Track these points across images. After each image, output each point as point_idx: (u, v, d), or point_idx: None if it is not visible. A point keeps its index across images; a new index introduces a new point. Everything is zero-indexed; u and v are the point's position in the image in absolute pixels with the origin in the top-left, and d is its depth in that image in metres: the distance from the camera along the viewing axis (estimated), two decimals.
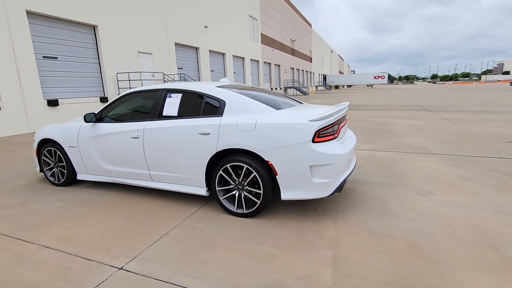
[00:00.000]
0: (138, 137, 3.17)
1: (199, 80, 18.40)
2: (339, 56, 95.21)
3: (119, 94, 12.09)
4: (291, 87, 35.33)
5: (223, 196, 2.87)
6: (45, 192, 3.74)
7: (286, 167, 2.55)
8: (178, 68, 16.43)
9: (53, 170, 3.95)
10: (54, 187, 3.91)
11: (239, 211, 2.81)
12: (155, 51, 14.29)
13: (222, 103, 2.88)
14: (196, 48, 18.06)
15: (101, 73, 11.70)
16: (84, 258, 2.22)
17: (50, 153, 3.90)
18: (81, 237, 2.55)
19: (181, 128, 2.94)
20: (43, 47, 9.61)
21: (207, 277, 1.96)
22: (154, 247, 2.35)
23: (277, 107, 2.90)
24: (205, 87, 3.05)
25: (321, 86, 59.05)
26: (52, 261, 2.20)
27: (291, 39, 38.35)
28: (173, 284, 1.89)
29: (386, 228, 2.53)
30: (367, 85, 70.05)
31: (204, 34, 18.48)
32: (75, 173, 3.81)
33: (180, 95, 3.12)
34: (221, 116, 2.83)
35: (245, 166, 2.67)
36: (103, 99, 11.63)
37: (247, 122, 2.67)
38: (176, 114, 3.07)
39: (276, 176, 2.61)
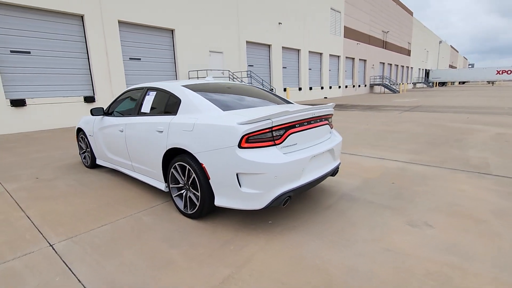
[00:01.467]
0: (122, 131, 3.50)
1: (270, 78, 18.64)
2: (452, 47, 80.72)
3: None
4: (378, 84, 32.03)
5: (175, 194, 2.91)
6: (74, 171, 4.53)
7: (216, 171, 2.40)
8: (249, 65, 17.03)
9: (85, 154, 4.74)
10: (84, 168, 4.69)
11: (185, 211, 2.80)
12: (225, 49, 15.17)
13: (178, 102, 2.90)
14: (268, 46, 18.30)
15: (175, 71, 13.18)
16: (38, 231, 2.62)
17: (83, 140, 4.69)
18: (57, 213, 3.01)
19: (147, 125, 3.10)
20: (129, 50, 11.46)
21: (100, 269, 2.04)
22: (93, 232, 2.59)
23: (227, 107, 2.73)
24: (170, 85, 3.12)
25: (421, 82, 51.50)
26: (19, 229, 2.67)
27: (383, 31, 34.62)
28: (69, 268, 2.06)
29: (320, 258, 2.10)
30: (488, 82, 57.48)
31: (278, 31, 18.54)
32: (95, 158, 4.48)
33: (155, 93, 3.28)
34: (175, 114, 2.86)
35: (187, 166, 2.63)
36: None
37: (188, 122, 2.62)
38: (148, 111, 3.25)
39: (209, 180, 2.48)
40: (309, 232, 2.48)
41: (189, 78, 13.49)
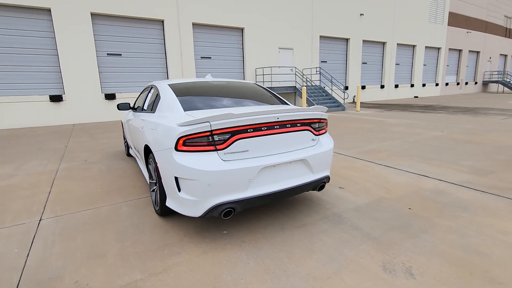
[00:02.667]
0: (132, 125, 3.81)
1: (345, 74, 17.33)
2: None
3: None
4: (494, 82, 25.90)
5: (151, 188, 3.00)
6: (113, 158, 5.20)
7: (164, 172, 2.36)
8: (321, 61, 16.19)
9: (125, 143, 5.39)
10: (123, 156, 5.33)
11: (154, 206, 2.86)
12: (296, 45, 14.79)
13: (159, 100, 2.96)
14: (346, 39, 16.97)
15: (243, 68, 13.61)
16: (44, 206, 3.10)
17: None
18: (70, 192, 3.50)
19: (138, 121, 3.29)
20: (201, 49, 12.40)
21: (48, 249, 2.28)
22: (76, 214, 2.91)
23: (193, 107, 2.64)
24: (160, 83, 3.20)
25: None
26: (34, 202, 3.23)
27: (506, 16, 27.66)
28: (31, 243, 2.37)
29: (236, 285, 1.83)
30: None
31: (358, 23, 16.98)
32: (129, 148, 5.04)
33: (153, 90, 3.43)
34: (154, 112, 2.93)
35: (153, 164, 2.68)
36: None
37: (153, 121, 2.65)
38: (146, 108, 3.43)
39: (161, 180, 2.45)
40: (253, 251, 2.19)
41: (255, 75, 13.75)
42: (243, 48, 13.42)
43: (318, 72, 15.07)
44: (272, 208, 2.93)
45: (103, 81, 10.63)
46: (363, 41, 17.70)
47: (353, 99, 17.66)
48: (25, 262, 2.12)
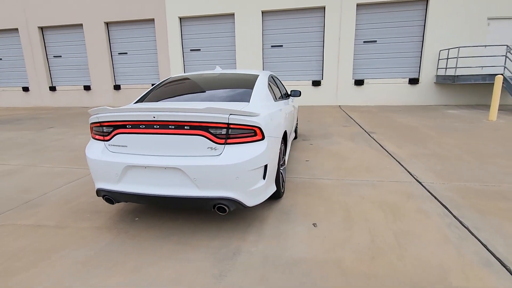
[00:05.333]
0: None
1: None
2: None
3: (436, 74, 10.73)
4: None
5: None
6: None
7: None
8: None
9: None
10: None
11: None
12: None
13: None
14: None
15: (421, 51, 10.76)
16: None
17: None
18: None
19: None
20: (364, 32, 11.00)
21: (72, 188, 3.44)
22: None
23: (147, 99, 2.85)
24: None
25: None
26: None
27: None
28: (73, 182, 3.65)
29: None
30: None
31: None
32: None
33: None
34: None
35: None
36: (413, 80, 10.86)
37: None
38: None
39: None
40: (115, 244, 2.25)
41: (438, 59, 10.49)
42: (424, 26, 10.52)
43: None
44: (208, 215, 2.65)
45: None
46: None
47: None
48: (58, 191, 3.35)
